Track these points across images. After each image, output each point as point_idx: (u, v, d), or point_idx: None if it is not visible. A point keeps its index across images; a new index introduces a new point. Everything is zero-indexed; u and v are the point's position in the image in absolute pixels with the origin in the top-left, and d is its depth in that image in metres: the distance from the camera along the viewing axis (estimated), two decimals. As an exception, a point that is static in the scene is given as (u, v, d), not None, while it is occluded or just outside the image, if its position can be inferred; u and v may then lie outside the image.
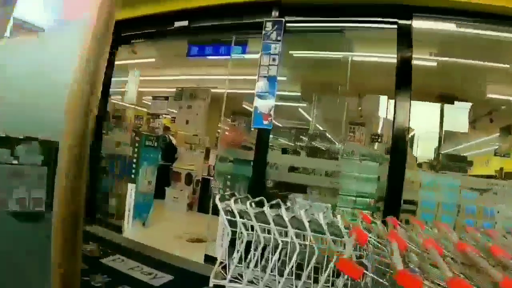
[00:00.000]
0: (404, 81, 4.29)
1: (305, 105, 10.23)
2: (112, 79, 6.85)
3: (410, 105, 4.23)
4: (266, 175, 4.70)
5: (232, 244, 3.76)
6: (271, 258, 3.55)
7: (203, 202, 8.70)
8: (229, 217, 3.61)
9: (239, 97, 10.73)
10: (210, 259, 4.79)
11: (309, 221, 3.28)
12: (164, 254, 5.11)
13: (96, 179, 6.36)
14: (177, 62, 8.37)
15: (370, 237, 2.46)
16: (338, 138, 8.39)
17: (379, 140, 8.94)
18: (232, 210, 3.59)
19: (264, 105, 4.54)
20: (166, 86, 9.56)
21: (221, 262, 3.74)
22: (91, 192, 6.22)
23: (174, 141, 10.19)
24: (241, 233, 3.58)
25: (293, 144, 11.82)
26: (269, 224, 3.40)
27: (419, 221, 3.24)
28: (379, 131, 9.88)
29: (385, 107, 7.92)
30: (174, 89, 8.78)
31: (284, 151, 7.49)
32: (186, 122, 7.99)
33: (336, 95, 8.02)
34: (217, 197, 3.63)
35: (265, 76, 4.58)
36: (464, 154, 7.32)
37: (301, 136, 11.62)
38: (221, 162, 5.72)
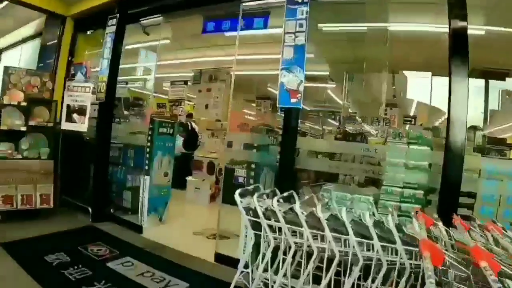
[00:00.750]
0: (459, 54, 3.49)
1: (333, 85, 9.51)
2: (124, 65, 6.40)
3: (468, 83, 3.45)
4: (296, 163, 3.99)
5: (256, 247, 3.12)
6: (304, 265, 2.91)
7: (227, 193, 8.08)
8: (251, 218, 2.96)
9: (263, 79, 10.15)
10: (225, 260, 4.38)
11: (351, 221, 2.61)
12: (181, 255, 4.54)
13: (105, 171, 5.82)
14: (193, 42, 7.80)
15: (447, 254, 1.74)
16: (375, 120, 7.62)
17: (412, 122, 8.20)
18: (255, 208, 2.95)
19: (291, 80, 3.82)
20: (184, 71, 8.96)
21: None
22: (101, 185, 5.69)
23: (196, 128, 9.62)
24: (267, 236, 2.94)
25: (320, 129, 11.17)
26: (301, 226, 2.73)
27: (493, 224, 2.51)
28: (411, 112, 9.16)
29: (422, 84, 7.16)
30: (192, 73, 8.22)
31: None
32: (206, 106, 7.36)
33: (371, 73, 7.29)
34: (237, 192, 2.97)
35: (291, 45, 3.86)
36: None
37: (329, 120, 10.98)
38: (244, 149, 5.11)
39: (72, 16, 6.56)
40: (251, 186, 3.38)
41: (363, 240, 2.65)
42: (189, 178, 8.11)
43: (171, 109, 11.59)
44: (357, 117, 9.02)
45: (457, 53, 3.48)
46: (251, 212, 2.99)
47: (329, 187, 4.06)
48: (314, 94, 10.46)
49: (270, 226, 2.91)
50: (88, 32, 6.81)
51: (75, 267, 3.81)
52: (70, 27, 6.62)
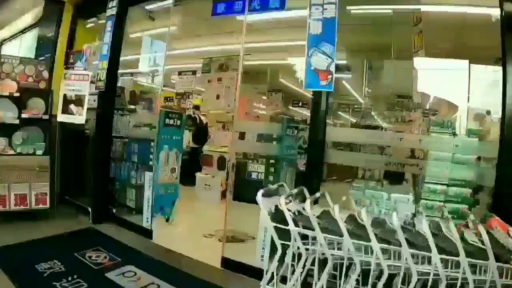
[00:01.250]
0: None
1: (349, 75, 8.92)
2: (129, 56, 6.07)
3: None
4: (324, 157, 3.41)
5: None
6: (339, 278, 2.38)
7: (239, 189, 7.56)
8: (277, 224, 2.41)
9: (275, 70, 9.60)
10: (237, 266, 3.86)
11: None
12: (190, 262, 4.03)
13: (106, 167, 5.32)
14: (202, 29, 7.29)
15: None
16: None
17: (433, 115, 7.59)
18: (277, 210, 2.41)
19: (320, 59, 3.25)
20: (191, 62, 8.40)
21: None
22: (102, 183, 5.19)
23: (205, 121, 9.09)
24: (297, 247, 2.39)
25: (331, 122, 10.65)
26: (340, 235, 2.19)
27: None
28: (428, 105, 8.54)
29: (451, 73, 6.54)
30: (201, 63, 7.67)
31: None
32: (217, 97, 6.80)
33: (397, 60, 6.70)
34: (259, 193, 2.43)
35: (318, 19, 3.29)
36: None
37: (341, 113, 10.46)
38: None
39: (71, 1, 6.03)
40: (275, 186, 2.82)
41: (418, 252, 2.10)
42: (198, 175, 7.59)
43: (179, 103, 11.12)
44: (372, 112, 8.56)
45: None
46: (276, 215, 2.44)
47: (360, 185, 3.52)
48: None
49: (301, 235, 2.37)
50: (89, 20, 6.28)
51: (70, 278, 3.30)
52: (69, 13, 6.10)
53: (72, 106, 4.87)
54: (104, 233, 4.72)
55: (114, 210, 5.26)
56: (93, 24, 6.17)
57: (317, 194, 2.59)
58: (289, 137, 3.82)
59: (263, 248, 3.80)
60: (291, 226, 2.28)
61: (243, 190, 7.53)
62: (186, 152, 7.96)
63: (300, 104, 10.50)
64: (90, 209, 5.12)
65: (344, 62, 8.29)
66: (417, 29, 4.99)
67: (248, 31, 4.26)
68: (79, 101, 4.85)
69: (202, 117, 9.20)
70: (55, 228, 4.63)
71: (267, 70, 8.76)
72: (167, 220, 5.17)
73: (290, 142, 3.80)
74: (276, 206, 2.44)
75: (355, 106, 9.93)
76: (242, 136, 5.16)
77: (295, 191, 2.62)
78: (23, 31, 8.28)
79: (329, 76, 3.20)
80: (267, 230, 3.77)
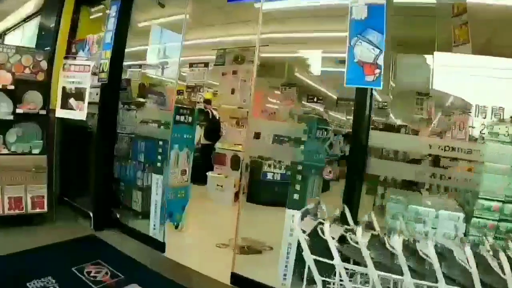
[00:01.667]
0: None
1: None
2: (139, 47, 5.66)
3: None
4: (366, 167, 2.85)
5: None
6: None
7: (253, 190, 7.06)
8: (319, 258, 1.89)
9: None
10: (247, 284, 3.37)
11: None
12: (201, 278, 3.53)
13: (109, 168, 4.84)
14: (216, 18, 6.76)
15: None
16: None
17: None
18: (316, 235, 1.89)
19: (366, 50, 2.71)
20: (204, 54, 7.87)
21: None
22: (104, 185, 4.70)
23: (217, 116, 8.57)
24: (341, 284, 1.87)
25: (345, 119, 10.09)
26: (400, 272, 1.67)
27: None
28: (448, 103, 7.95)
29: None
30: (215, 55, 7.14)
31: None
32: (232, 91, 6.28)
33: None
34: (298, 215, 1.91)
35: (364, 3, 2.74)
36: None
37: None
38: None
39: (73, -15, 5.55)
40: (311, 204, 2.29)
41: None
42: (209, 174, 7.08)
43: (189, 96, 10.64)
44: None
45: None
46: (314, 244, 1.92)
47: (398, 197, 2.98)
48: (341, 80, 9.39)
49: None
50: (94, 9, 5.77)
51: (63, 301, 2.83)
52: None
53: (71, 100, 4.39)
54: (106, 241, 4.25)
55: (118, 215, 4.75)
56: (100, 14, 5.66)
57: (365, 218, 2.07)
58: (318, 140, 3.28)
59: (285, 266, 3.30)
60: (337, 261, 1.76)
61: (258, 192, 7.04)
62: (196, 149, 7.45)
63: (315, 99, 9.94)
64: (91, 214, 4.64)
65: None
66: (460, 21, 4.39)
67: (266, 21, 3.84)
68: (79, 95, 4.36)
69: (215, 112, 8.68)
70: (53, 235, 4.18)
71: (284, 63, 8.18)
72: (176, 227, 4.68)
73: (319, 146, 3.27)
74: (315, 231, 1.91)
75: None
76: (257, 135, 4.68)
77: (338, 213, 2.09)
78: (25, 20, 7.85)
79: (377, 71, 2.66)
80: (291, 246, 3.27)
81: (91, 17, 5.75)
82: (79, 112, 4.34)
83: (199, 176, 6.78)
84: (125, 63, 4.84)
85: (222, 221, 5.57)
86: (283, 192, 6.82)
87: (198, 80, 7.56)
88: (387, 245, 1.74)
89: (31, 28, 7.35)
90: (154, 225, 4.30)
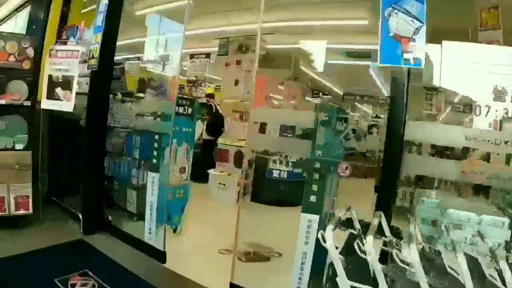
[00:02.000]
0: None
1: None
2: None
3: None
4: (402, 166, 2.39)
5: None
6: None
7: (258, 189, 6.60)
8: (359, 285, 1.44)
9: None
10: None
11: None
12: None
13: (100, 165, 4.38)
14: (218, 5, 6.35)
15: None
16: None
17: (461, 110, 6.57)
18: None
19: (403, 22, 2.26)
20: (204, 45, 7.41)
21: None
22: (94, 184, 4.27)
23: (220, 110, 8.12)
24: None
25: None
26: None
27: None
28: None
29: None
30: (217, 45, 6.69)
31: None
32: (235, 82, 5.86)
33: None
34: (329, 228, 1.47)
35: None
36: None
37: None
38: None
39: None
40: (342, 212, 1.85)
41: None
42: (211, 172, 6.64)
43: (190, 91, 10.27)
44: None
45: None
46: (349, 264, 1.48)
47: (434, 199, 2.53)
48: (354, 74, 8.96)
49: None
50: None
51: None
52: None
53: (58, 90, 3.93)
54: (96, 248, 3.82)
55: (110, 217, 4.32)
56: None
57: (411, 229, 1.63)
58: (337, 132, 2.84)
59: (299, 279, 2.87)
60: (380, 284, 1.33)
61: (263, 190, 6.58)
62: (198, 144, 7.01)
63: (321, 94, 9.48)
64: (80, 216, 4.21)
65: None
66: (488, 3, 3.92)
67: (269, 8, 3.73)
68: (66, 84, 3.91)
69: (217, 106, 8.24)
70: (38, 240, 3.77)
71: (290, 55, 7.72)
72: (174, 231, 4.26)
73: (338, 139, 2.83)
74: (348, 246, 1.48)
75: (380, 98, 9.02)
76: (262, 129, 4.26)
77: (376, 223, 1.65)
78: (17, 10, 7.43)
79: (418, 46, 2.20)
80: (306, 255, 2.85)
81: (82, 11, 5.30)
82: (66, 103, 3.89)
83: (200, 174, 6.36)
84: (122, 56, 4.44)
85: (225, 223, 5.13)
86: (289, 190, 6.49)
87: (200, 72, 7.13)
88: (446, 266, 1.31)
89: (23, 17, 6.94)
90: (150, 230, 3.86)
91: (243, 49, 5.98)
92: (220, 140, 6.99)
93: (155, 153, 3.83)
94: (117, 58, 4.36)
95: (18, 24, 7.31)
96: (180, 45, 3.92)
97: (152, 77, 5.73)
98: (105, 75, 4.06)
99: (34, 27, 5.22)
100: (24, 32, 5.70)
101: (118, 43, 4.22)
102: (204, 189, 6.52)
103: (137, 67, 5.64)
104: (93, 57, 3.95)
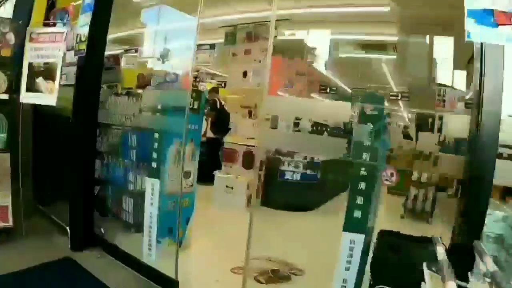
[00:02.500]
0: None
1: (393, 56, 7.37)
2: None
3: None
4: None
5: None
6: None
7: (268, 192, 5.97)
8: None
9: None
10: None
11: None
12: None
13: (89, 168, 3.75)
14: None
15: None
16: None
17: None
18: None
19: None
20: (209, 36, 6.78)
21: None
22: (83, 192, 3.65)
23: (225, 106, 7.51)
24: None
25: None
26: None
27: None
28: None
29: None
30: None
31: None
32: (244, 74, 5.25)
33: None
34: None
35: None
36: None
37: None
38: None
39: None
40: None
41: None
42: (217, 174, 6.02)
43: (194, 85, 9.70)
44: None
45: None
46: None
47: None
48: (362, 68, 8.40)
49: None
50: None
51: None
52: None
53: (40, 80, 3.31)
54: (86, 269, 3.20)
55: (103, 230, 3.71)
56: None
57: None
58: (381, 129, 2.24)
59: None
60: None
61: (274, 193, 5.95)
62: (201, 143, 6.38)
63: (328, 90, 8.82)
64: (68, 229, 3.61)
65: (394, 38, 6.83)
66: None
67: None
68: (49, 73, 3.28)
69: (222, 101, 7.64)
70: (18, 258, 3.19)
71: (303, 46, 7.08)
72: (179, 245, 3.64)
73: (384, 138, 2.23)
74: None
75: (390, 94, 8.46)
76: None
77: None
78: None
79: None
80: (346, 282, 2.25)
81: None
82: (48, 96, 3.26)
83: (204, 175, 5.74)
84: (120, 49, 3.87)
85: (234, 232, 4.56)
86: (303, 194, 5.90)
87: (204, 63, 6.55)
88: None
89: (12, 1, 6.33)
90: (150, 246, 3.27)
91: (253, 37, 5.37)
92: (226, 138, 6.35)
93: (154, 155, 3.21)
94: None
95: (7, 10, 6.73)
96: (194, 37, 3.22)
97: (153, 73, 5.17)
98: (95, 62, 3.42)
99: (19, 11, 4.61)
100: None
101: (118, 34, 3.64)
102: (208, 192, 5.92)
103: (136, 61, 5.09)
104: (81, 41, 3.33)
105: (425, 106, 7.19)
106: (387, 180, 2.28)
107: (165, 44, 4.98)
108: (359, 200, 2.24)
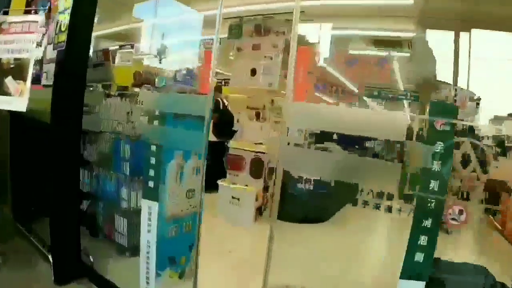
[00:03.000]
0: None
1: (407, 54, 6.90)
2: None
3: None
4: None
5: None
6: None
7: (281, 204, 5.39)
8: None
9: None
10: None
11: None
12: None
13: (73, 183, 3.13)
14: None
15: None
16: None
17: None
18: None
19: None
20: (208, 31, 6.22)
21: None
22: (66, 211, 3.05)
23: (229, 107, 6.94)
24: None
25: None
26: None
27: None
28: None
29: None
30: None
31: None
32: (252, 72, 4.65)
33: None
34: None
35: None
36: None
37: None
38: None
39: None
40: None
41: None
42: (221, 184, 5.38)
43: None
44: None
45: None
46: None
47: None
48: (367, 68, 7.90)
49: None
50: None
51: None
52: None
53: (8, 80, 2.70)
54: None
55: (92, 258, 3.12)
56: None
57: None
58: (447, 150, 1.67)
59: None
60: None
61: (286, 205, 5.38)
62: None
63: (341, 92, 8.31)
64: (50, 257, 3.03)
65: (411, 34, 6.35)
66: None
67: None
68: (19, 71, 2.68)
69: (225, 101, 7.08)
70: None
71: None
72: (180, 276, 3.06)
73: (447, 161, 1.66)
74: None
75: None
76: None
77: None
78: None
79: None
80: None
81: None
82: (17, 100, 2.65)
83: (208, 182, 5.15)
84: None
85: (243, 252, 4.04)
86: (315, 204, 5.35)
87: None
88: None
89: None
90: (147, 279, 2.69)
91: (263, 31, 4.78)
92: (232, 143, 5.72)
93: (151, 172, 2.62)
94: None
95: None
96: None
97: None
98: (77, 56, 2.79)
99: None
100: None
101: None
102: (213, 201, 5.33)
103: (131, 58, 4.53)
104: (60, 31, 2.73)
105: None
106: (454, 219, 1.73)
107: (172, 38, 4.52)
108: (423, 240, 1.67)
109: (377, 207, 1.91)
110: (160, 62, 5.49)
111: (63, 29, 2.69)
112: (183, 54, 5.22)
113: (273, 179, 4.31)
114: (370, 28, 6.64)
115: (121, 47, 4.75)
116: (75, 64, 2.77)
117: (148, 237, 2.66)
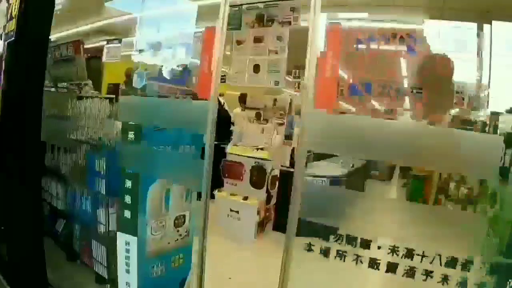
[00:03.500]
0: None
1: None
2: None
3: None
4: None
5: None
6: None
7: (282, 214, 4.82)
8: None
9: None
10: None
11: None
12: None
13: (35, 201, 2.56)
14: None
15: None
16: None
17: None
18: None
19: None
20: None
21: None
22: (28, 236, 2.50)
23: (226, 107, 6.31)
24: None
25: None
26: None
27: None
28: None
29: None
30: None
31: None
32: (255, 68, 4.08)
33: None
34: None
35: None
36: None
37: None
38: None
39: None
40: None
41: None
42: (218, 194, 4.77)
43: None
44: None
45: None
46: None
47: None
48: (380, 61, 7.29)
49: None
50: None
51: None
52: None
53: None
54: None
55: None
56: None
57: None
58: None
59: None
60: None
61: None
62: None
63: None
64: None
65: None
66: None
67: None
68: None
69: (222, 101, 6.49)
70: None
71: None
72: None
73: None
74: None
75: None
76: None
77: None
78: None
79: None
80: None
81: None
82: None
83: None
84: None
85: (245, 275, 3.48)
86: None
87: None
88: None
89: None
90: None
91: (266, 22, 4.20)
92: (229, 148, 5.06)
93: (127, 199, 2.04)
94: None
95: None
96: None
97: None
98: (31, 48, 2.18)
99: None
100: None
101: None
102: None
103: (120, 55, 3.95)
104: (11, 17, 2.13)
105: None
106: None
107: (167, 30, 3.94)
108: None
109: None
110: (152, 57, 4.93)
111: (13, 14, 2.09)
112: (177, 47, 4.62)
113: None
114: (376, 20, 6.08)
115: (108, 41, 4.22)
116: (28, 58, 2.15)
117: (126, 279, 2.09)
